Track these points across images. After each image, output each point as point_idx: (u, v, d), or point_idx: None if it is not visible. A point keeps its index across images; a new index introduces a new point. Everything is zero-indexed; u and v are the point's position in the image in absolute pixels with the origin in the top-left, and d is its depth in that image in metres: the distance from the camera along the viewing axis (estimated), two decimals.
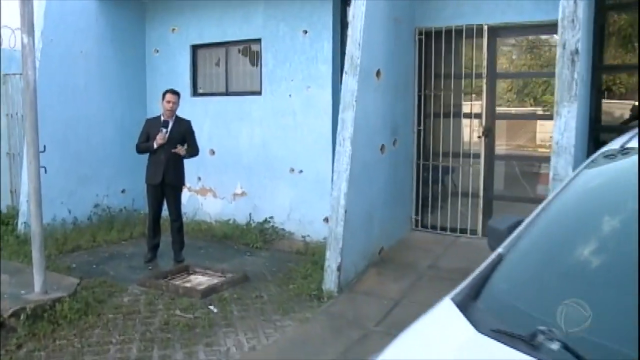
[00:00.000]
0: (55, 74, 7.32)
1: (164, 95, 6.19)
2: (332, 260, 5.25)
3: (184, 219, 6.80)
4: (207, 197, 8.13)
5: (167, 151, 6.07)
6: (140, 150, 6.29)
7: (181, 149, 6.03)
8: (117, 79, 8.17)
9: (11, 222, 7.42)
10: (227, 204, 7.95)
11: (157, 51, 8.46)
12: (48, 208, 7.03)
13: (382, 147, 5.94)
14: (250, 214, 7.65)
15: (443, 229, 6.71)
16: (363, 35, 5.31)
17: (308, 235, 7.12)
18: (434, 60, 6.61)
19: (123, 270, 6.12)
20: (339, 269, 5.21)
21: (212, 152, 7.97)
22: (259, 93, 7.58)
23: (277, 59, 7.37)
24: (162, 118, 6.19)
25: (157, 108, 8.26)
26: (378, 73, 5.72)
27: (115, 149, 8.12)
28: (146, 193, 6.50)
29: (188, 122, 6.30)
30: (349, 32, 5.43)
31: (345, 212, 5.23)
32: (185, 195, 7.92)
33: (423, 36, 6.62)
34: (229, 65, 7.95)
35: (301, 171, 7.26)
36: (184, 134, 6.17)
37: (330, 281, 5.23)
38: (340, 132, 5.32)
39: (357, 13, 5.34)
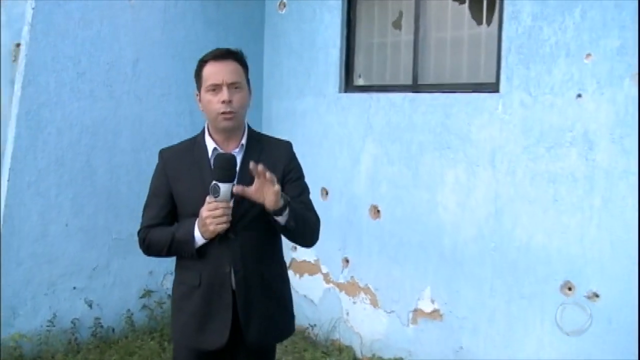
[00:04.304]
0: (69, 40, 3.60)
1: (200, 66, 2.09)
2: None
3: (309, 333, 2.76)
4: (358, 301, 3.96)
5: (240, 246, 1.93)
6: (150, 248, 2.04)
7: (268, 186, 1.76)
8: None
9: None
10: (399, 326, 3.70)
11: (284, 5, 4.46)
12: (33, 301, 3.59)
13: None
14: None
15: None
16: None
17: None
18: None
19: None
20: None
21: (376, 213, 3.77)
22: (494, 88, 3.22)
23: (545, 7, 2.96)
24: (215, 145, 2.02)
25: (277, 109, 4.34)
26: None
27: None
28: None
29: (285, 146, 2.10)
30: None
31: None
32: (317, 287, 4.09)
33: None
34: (424, 26, 3.69)
35: (596, 295, 2.79)
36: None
37: None
38: None
39: None
